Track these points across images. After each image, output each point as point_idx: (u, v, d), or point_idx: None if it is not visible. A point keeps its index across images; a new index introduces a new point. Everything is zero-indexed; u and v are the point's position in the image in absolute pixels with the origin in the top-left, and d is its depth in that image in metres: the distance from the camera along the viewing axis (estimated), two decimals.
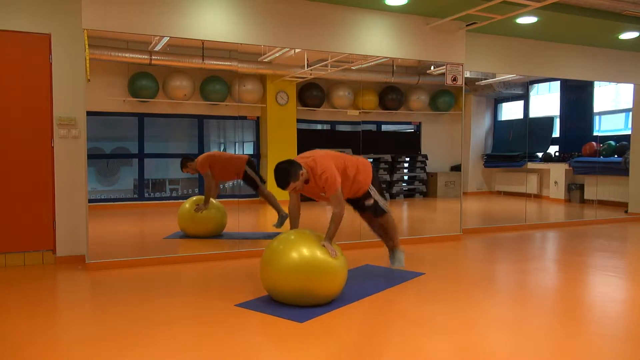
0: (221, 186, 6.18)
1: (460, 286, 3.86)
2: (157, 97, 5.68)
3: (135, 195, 5.83)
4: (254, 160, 5.64)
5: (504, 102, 8.50)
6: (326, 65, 5.98)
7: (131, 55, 5.34)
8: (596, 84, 8.26)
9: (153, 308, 3.28)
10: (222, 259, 4.80)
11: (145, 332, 2.86)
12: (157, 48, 5.27)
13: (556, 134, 8.59)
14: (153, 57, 5.38)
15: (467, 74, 6.56)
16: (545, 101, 8.87)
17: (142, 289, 3.76)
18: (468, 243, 5.69)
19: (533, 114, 8.44)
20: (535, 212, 7.76)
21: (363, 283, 3.86)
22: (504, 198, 8.41)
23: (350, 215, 5.00)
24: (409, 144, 7.37)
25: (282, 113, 6.26)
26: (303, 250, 3.17)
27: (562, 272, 4.36)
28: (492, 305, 3.40)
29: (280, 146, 6.20)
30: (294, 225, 3.68)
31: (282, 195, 6.13)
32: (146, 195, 5.84)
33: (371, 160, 6.85)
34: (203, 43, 5.15)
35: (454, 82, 5.90)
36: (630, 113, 7.84)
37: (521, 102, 8.19)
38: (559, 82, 8.41)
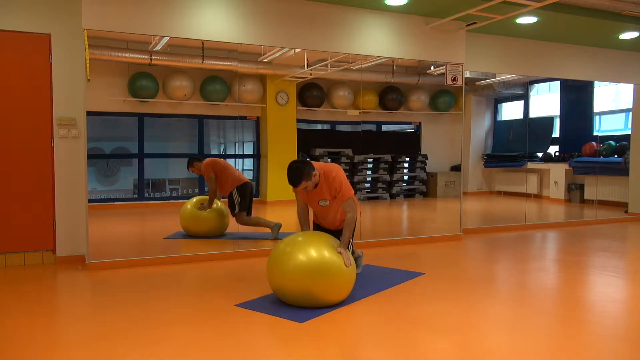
0: None
1: (460, 286, 3.86)
2: (157, 97, 5.68)
3: (135, 195, 5.83)
4: (251, 187, 5.49)
5: (504, 102, 8.50)
6: (326, 65, 5.98)
7: (131, 55, 5.34)
8: (596, 84, 8.26)
9: (153, 308, 3.28)
10: (223, 259, 4.80)
11: (145, 332, 2.86)
12: (157, 48, 5.27)
13: (556, 134, 8.59)
14: (153, 57, 5.38)
15: (467, 74, 6.56)
16: (545, 101, 8.87)
17: (142, 289, 3.76)
18: (468, 243, 5.69)
19: (533, 114, 8.44)
20: (535, 212, 7.76)
21: (363, 283, 3.86)
22: (504, 198, 8.41)
23: None
24: (409, 144, 7.37)
25: (282, 113, 6.26)
26: (312, 253, 3.16)
27: (562, 272, 4.36)
28: (492, 305, 3.40)
29: (280, 146, 6.20)
30: (305, 227, 3.69)
31: (281, 196, 6.15)
32: (146, 195, 5.84)
33: (371, 160, 6.87)
34: (203, 43, 5.15)
35: (454, 82, 5.90)
36: (630, 113, 7.84)
37: (521, 102, 8.19)
38: (559, 82, 8.41)
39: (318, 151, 6.53)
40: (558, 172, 8.30)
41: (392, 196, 7.06)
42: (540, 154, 8.49)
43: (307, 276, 3.13)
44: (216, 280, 4.04)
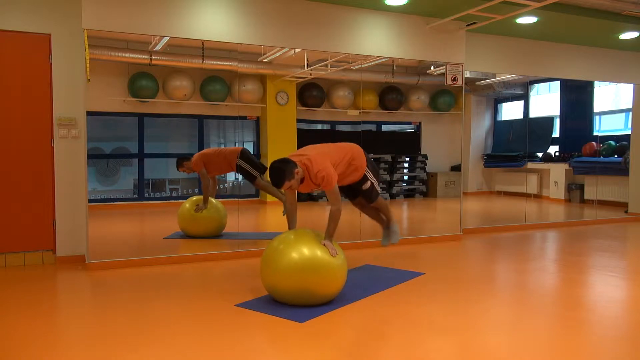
0: (221, 186, 6.18)
1: (460, 286, 3.86)
2: (157, 97, 5.68)
3: (135, 195, 5.83)
4: (248, 151, 5.51)
5: (504, 102, 8.50)
6: (326, 65, 5.98)
7: (131, 55, 5.33)
8: (596, 84, 8.26)
9: (153, 308, 3.28)
10: (222, 259, 4.80)
11: (145, 332, 2.86)
12: (157, 48, 5.27)
13: (556, 134, 8.59)
14: (153, 57, 5.38)
15: (467, 74, 6.56)
16: (545, 101, 8.87)
17: (142, 289, 3.76)
18: (468, 243, 5.69)
19: (533, 114, 8.43)
20: (535, 212, 7.76)
21: (363, 283, 3.86)
22: (504, 198, 8.41)
23: (350, 216, 5.01)
24: (409, 144, 7.37)
25: (282, 113, 6.26)
26: (303, 250, 3.18)
27: (562, 272, 4.36)
28: (492, 305, 3.40)
29: (280, 146, 6.20)
30: (291, 224, 3.67)
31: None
32: (146, 195, 5.83)
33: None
34: (203, 43, 5.15)
35: (454, 82, 5.90)
36: (630, 113, 7.84)
37: (521, 102, 8.19)
38: (559, 82, 8.41)
39: None
40: (558, 172, 8.30)
41: (392, 196, 7.06)
42: (540, 154, 8.49)
43: (301, 272, 3.14)
44: (216, 280, 4.04)
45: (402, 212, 7.34)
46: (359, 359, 2.52)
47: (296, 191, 3.66)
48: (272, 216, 5.68)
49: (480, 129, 8.57)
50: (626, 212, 7.70)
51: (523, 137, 7.59)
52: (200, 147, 6.09)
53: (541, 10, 5.37)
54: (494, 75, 7.50)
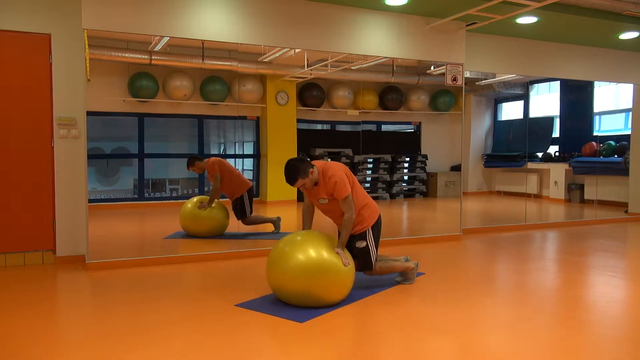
0: None
1: (460, 286, 3.86)
2: (157, 97, 5.68)
3: (135, 195, 5.83)
4: (253, 190, 5.65)
5: (504, 102, 8.50)
6: (326, 65, 5.98)
7: (131, 55, 5.34)
8: (596, 84, 8.26)
9: (153, 308, 3.28)
10: (223, 258, 4.80)
11: (145, 332, 2.86)
12: (157, 48, 5.27)
13: (556, 134, 8.59)
14: (153, 57, 5.38)
15: (467, 74, 6.56)
16: (545, 101, 8.87)
17: (142, 289, 3.76)
18: (468, 243, 5.69)
19: (533, 114, 8.44)
20: (535, 212, 7.76)
21: (363, 283, 3.86)
22: (504, 198, 8.41)
23: None
24: (409, 144, 7.38)
25: (282, 113, 6.26)
26: (311, 253, 3.16)
27: (562, 272, 4.36)
28: (492, 305, 3.40)
29: (280, 146, 6.20)
30: (306, 225, 3.67)
31: (281, 196, 6.15)
32: (146, 195, 5.84)
33: (371, 160, 6.86)
34: (203, 43, 5.15)
35: (454, 82, 5.90)
36: (630, 113, 7.84)
37: (521, 102, 8.19)
38: (559, 82, 8.41)
39: (318, 151, 6.54)
40: (558, 172, 8.30)
41: (392, 196, 7.06)
42: (540, 154, 8.49)
43: (307, 276, 3.13)
44: (216, 280, 4.04)
45: (402, 212, 7.35)
46: (359, 359, 2.52)
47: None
48: (272, 216, 5.69)
49: (480, 129, 8.57)
50: (626, 212, 7.70)
51: (523, 137, 7.59)
52: (200, 147, 6.09)
53: (541, 10, 5.37)
54: (494, 75, 7.51)
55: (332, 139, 6.88)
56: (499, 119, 8.66)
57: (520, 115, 8.22)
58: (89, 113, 4.53)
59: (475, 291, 3.71)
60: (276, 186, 6.14)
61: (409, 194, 7.24)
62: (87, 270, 4.31)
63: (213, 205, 5.32)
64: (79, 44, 4.57)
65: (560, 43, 6.87)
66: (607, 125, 8.86)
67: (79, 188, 4.63)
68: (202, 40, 4.79)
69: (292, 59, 5.78)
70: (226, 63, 5.61)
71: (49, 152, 4.57)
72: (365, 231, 3.56)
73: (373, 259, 3.58)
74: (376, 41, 5.49)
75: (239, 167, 6.35)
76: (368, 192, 3.85)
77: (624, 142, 7.93)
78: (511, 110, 8.44)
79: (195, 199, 5.41)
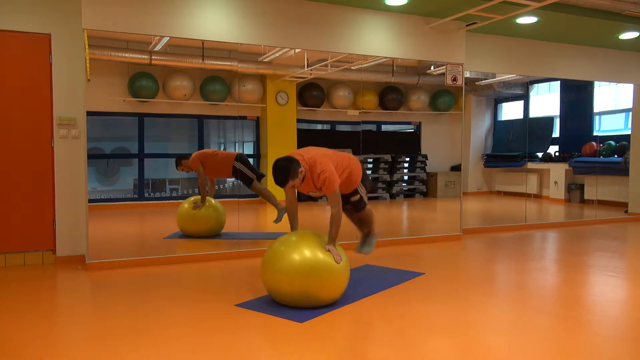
0: (221, 186, 6.18)
1: (460, 286, 3.86)
2: (157, 97, 5.68)
3: (135, 195, 5.83)
4: (245, 156, 5.58)
5: (504, 102, 8.50)
6: (326, 65, 5.98)
7: (131, 55, 5.34)
8: (596, 84, 8.26)
9: (153, 308, 3.28)
10: (222, 259, 4.80)
11: (145, 332, 2.86)
12: (157, 48, 5.27)
13: (556, 134, 8.59)
14: (153, 57, 5.38)
15: (467, 74, 6.56)
16: (545, 101, 8.87)
17: (142, 289, 3.76)
18: (468, 243, 5.69)
19: (533, 114, 8.43)
20: (535, 212, 7.76)
21: (363, 283, 3.86)
22: (504, 198, 8.41)
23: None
24: (409, 144, 7.37)
25: (282, 113, 6.26)
26: (305, 253, 3.16)
27: (562, 272, 4.36)
28: (492, 305, 3.40)
29: (280, 146, 6.20)
30: (293, 225, 3.65)
31: (281, 196, 6.14)
32: (146, 195, 5.84)
33: (371, 160, 6.86)
34: (203, 43, 5.15)
35: (454, 82, 5.90)
36: (630, 113, 7.84)
37: (521, 102, 8.19)
38: (559, 82, 8.41)
39: None
40: (558, 172, 8.30)
41: (392, 196, 7.06)
42: (540, 154, 8.49)
43: (301, 275, 3.12)
44: (216, 280, 4.04)
45: (402, 212, 7.35)
46: (359, 359, 2.52)
47: (296, 190, 3.65)
48: (272, 216, 5.67)
49: (480, 129, 8.57)
50: (626, 212, 7.70)
51: (523, 137, 7.59)
52: (200, 147, 6.09)
53: (541, 10, 5.37)
54: (494, 75, 7.51)
55: (332, 139, 6.88)
56: (499, 119, 8.66)
57: (520, 115, 8.22)
58: (89, 113, 4.53)
59: (475, 291, 3.71)
60: (276, 186, 6.11)
61: (409, 194, 7.24)
62: (87, 270, 4.31)
63: (207, 204, 5.31)
64: (79, 44, 4.57)
65: (560, 43, 6.87)
66: (607, 125, 8.87)
67: (79, 188, 4.63)
68: (202, 40, 4.79)
69: (292, 59, 5.78)
70: (226, 63, 5.61)
71: (49, 152, 4.57)
72: (357, 187, 3.86)
73: (364, 203, 3.97)
74: (376, 41, 5.49)
75: None
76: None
77: (624, 142, 7.93)
78: (511, 110, 8.44)
79: (191, 199, 5.41)
